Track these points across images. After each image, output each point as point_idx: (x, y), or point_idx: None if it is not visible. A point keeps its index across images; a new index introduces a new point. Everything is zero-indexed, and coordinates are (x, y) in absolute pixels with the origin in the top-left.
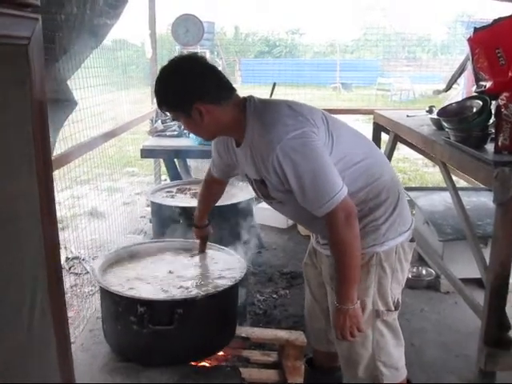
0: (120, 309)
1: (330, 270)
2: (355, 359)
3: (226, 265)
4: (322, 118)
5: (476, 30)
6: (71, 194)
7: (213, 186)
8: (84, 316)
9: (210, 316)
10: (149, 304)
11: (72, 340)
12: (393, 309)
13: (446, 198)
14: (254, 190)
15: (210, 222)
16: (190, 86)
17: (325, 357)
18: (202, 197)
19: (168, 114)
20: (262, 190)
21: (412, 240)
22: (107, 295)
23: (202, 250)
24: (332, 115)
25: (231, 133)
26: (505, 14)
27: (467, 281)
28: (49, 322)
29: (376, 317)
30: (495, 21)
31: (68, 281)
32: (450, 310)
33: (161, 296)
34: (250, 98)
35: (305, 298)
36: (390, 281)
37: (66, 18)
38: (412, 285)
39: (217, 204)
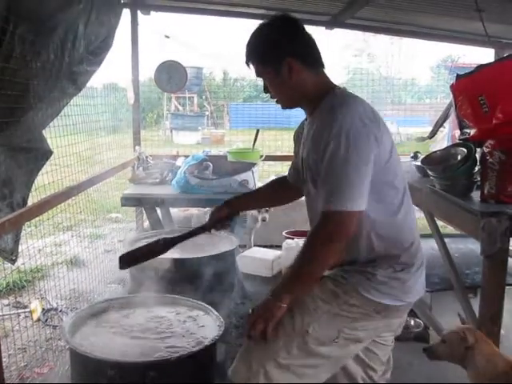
0: (89, 371)
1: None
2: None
3: (204, 323)
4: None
5: (458, 77)
6: (52, 241)
7: (282, 186)
8: (57, 373)
9: (185, 378)
10: (119, 366)
11: None
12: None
13: (432, 245)
14: (302, 178)
15: (235, 214)
16: (286, 39)
17: None
18: (263, 187)
19: (253, 68)
20: (308, 173)
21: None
22: (76, 356)
23: (191, 234)
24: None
25: (309, 101)
26: (487, 59)
27: None
28: None
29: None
30: (477, 68)
31: (43, 334)
32: (440, 363)
33: (133, 357)
34: (344, 87)
35: None
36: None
37: (42, 65)
38: (400, 337)
39: (199, 255)
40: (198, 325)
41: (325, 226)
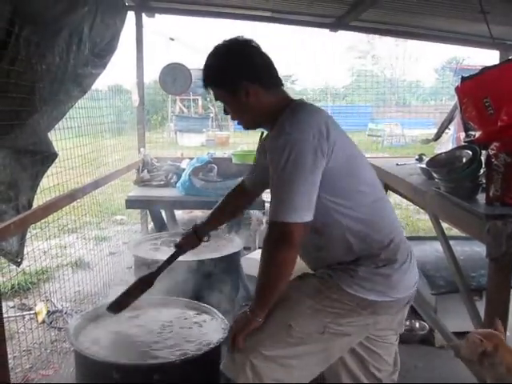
0: (94, 373)
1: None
2: None
3: (209, 325)
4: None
5: (463, 79)
6: (57, 243)
7: (239, 195)
8: (62, 375)
9: (189, 381)
10: (124, 369)
11: None
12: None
13: (438, 247)
14: None
15: (205, 238)
16: (242, 63)
17: None
18: (221, 203)
19: (211, 92)
20: None
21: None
22: (81, 358)
23: (168, 263)
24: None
25: (269, 121)
26: (492, 61)
27: (462, 334)
28: None
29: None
30: (482, 70)
31: (48, 336)
32: (445, 366)
33: (138, 360)
34: (301, 99)
35: None
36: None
37: (47, 68)
38: (405, 339)
39: (203, 257)
40: (202, 327)
41: (269, 235)
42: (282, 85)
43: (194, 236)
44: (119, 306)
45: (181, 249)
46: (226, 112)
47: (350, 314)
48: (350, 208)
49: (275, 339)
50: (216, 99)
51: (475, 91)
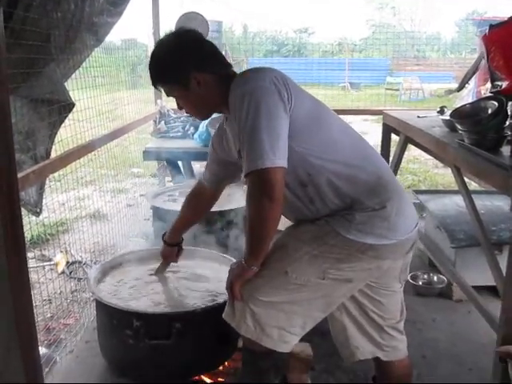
0: (115, 322)
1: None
2: None
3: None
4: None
5: (491, 27)
6: (75, 195)
7: (199, 198)
8: (82, 324)
9: (209, 330)
10: (145, 317)
11: (69, 349)
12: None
13: (458, 201)
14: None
15: (181, 242)
16: (187, 55)
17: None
18: (184, 209)
19: (162, 90)
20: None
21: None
22: (102, 307)
23: (161, 272)
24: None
25: (224, 103)
26: None
27: (481, 288)
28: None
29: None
30: (511, 18)
31: (68, 286)
32: (463, 320)
33: (158, 309)
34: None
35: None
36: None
37: (62, 15)
38: (423, 292)
39: (219, 209)
40: (222, 280)
41: (249, 188)
42: (231, 66)
43: (168, 247)
44: None
45: (166, 260)
46: (179, 107)
47: (349, 259)
48: (329, 153)
49: (272, 285)
50: (168, 95)
51: (504, 39)
